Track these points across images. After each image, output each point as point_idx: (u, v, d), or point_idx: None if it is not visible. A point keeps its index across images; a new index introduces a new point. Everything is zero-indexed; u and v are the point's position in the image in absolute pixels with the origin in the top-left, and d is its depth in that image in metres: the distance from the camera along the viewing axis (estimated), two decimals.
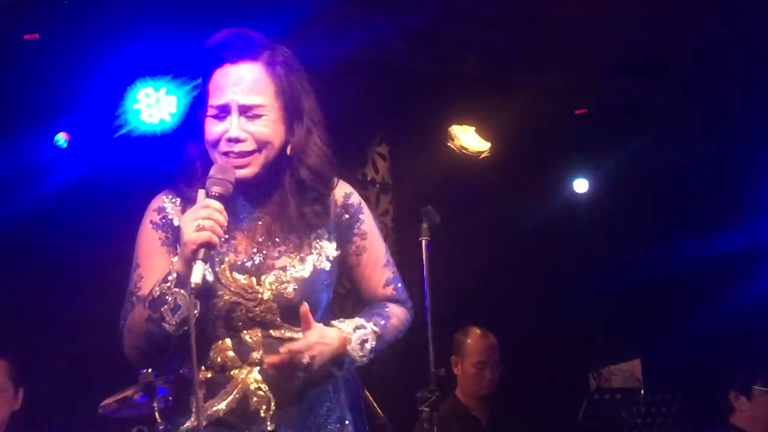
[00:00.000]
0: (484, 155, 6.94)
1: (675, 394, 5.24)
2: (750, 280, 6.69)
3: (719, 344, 6.19)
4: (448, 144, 6.92)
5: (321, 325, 2.63)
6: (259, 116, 2.63)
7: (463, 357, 5.69)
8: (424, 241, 4.12)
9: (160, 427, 4.23)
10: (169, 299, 2.53)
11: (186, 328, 2.51)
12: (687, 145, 6.85)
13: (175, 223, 2.68)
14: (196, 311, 2.52)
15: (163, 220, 2.72)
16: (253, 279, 2.66)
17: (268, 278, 2.66)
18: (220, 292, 2.63)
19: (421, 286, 4.04)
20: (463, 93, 6.76)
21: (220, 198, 2.54)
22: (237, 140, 2.61)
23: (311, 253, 2.71)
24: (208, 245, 2.48)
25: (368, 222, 2.85)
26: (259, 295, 2.65)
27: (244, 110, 2.62)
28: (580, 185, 7.38)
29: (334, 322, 2.68)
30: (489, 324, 5.83)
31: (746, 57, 6.48)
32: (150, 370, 4.31)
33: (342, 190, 2.83)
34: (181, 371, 2.71)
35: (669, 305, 6.96)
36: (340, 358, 2.66)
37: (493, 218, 6.96)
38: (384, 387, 6.25)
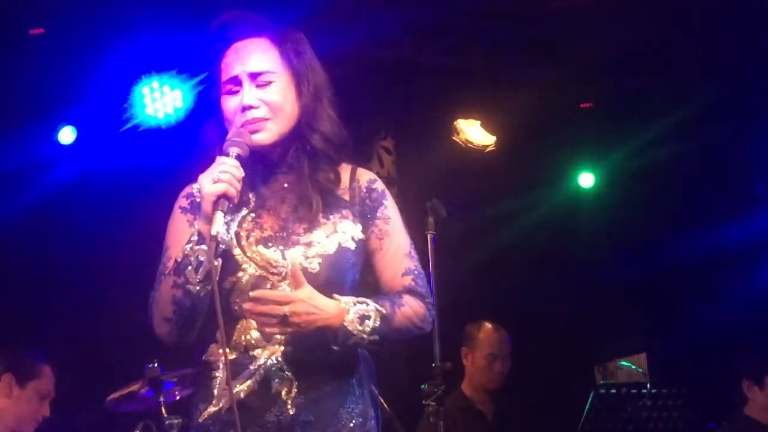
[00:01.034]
0: (489, 149, 6.93)
1: (681, 388, 5.24)
2: (756, 272, 6.69)
3: (725, 337, 6.19)
4: (454, 138, 6.91)
5: (313, 290, 2.59)
6: (269, 83, 2.71)
7: (474, 349, 5.68)
8: (429, 235, 4.13)
9: (167, 422, 4.24)
10: (192, 259, 2.55)
11: (209, 287, 2.53)
12: (693, 138, 6.84)
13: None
14: (218, 262, 2.56)
15: (191, 204, 2.75)
16: (278, 253, 2.66)
17: (294, 253, 2.67)
18: (245, 266, 2.65)
19: (427, 280, 4.04)
20: (469, 87, 6.75)
21: (236, 158, 2.60)
22: (250, 107, 2.68)
23: (336, 232, 2.72)
24: (225, 196, 2.54)
25: (391, 209, 2.87)
26: (284, 269, 2.65)
27: (254, 77, 2.70)
28: (586, 179, 7.37)
29: (335, 296, 2.64)
30: (494, 318, 5.84)
31: (752, 49, 6.47)
32: (156, 364, 4.33)
33: (366, 176, 2.87)
34: (203, 358, 2.69)
35: (675, 298, 6.95)
36: (334, 331, 2.59)
37: (499, 212, 6.95)
38: (389, 381, 6.26)
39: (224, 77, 2.72)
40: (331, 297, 2.62)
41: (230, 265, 2.63)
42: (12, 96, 5.45)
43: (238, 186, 2.57)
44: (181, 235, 2.67)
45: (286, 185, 2.75)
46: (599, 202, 7.37)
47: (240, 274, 2.64)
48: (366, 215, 2.80)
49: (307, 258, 2.66)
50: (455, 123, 6.93)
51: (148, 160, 5.60)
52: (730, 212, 6.84)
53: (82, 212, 5.59)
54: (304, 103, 2.75)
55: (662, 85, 6.98)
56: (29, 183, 5.49)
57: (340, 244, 2.70)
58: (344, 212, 2.76)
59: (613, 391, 5.15)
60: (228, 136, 2.65)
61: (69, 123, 5.74)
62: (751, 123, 6.95)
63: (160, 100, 5.67)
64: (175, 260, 2.59)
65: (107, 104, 5.66)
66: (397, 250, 2.81)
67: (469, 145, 6.90)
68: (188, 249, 2.56)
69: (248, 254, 2.66)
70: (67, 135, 5.77)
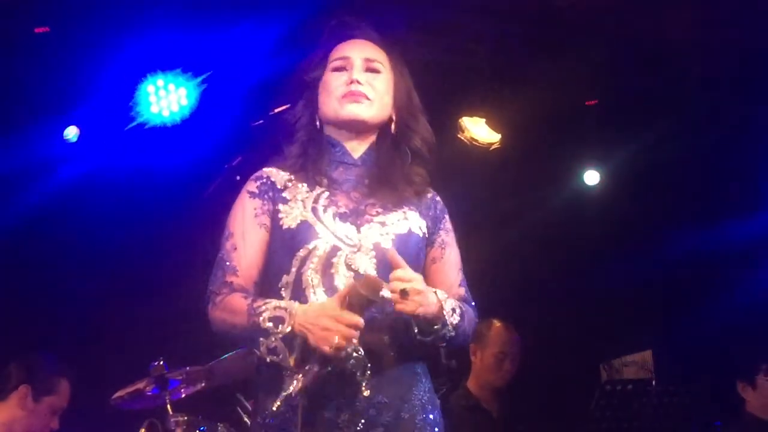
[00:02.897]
0: (494, 147, 6.92)
1: (686, 386, 5.24)
2: (762, 270, 6.67)
3: (731, 335, 6.18)
4: (459, 135, 6.90)
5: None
6: (378, 72, 2.88)
7: (483, 346, 5.68)
8: None
9: (172, 420, 4.24)
10: (268, 342, 2.61)
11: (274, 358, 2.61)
12: (699, 136, 6.82)
13: (278, 185, 2.81)
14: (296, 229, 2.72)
15: (263, 187, 2.83)
16: (353, 228, 2.75)
17: (368, 228, 2.77)
18: (321, 235, 2.72)
19: None
20: (474, 84, 6.74)
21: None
22: (358, 82, 2.82)
23: (407, 219, 2.84)
24: (339, 349, 2.56)
25: (450, 222, 3.00)
26: (359, 242, 2.73)
27: (366, 62, 2.86)
28: (591, 177, 7.36)
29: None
30: (499, 316, 5.83)
31: (759, 49, 6.45)
32: (161, 362, 4.33)
33: (430, 189, 3.02)
34: (269, 359, 2.68)
35: (680, 296, 6.94)
36: (432, 318, 2.68)
37: (504, 210, 6.95)
38: None
39: (335, 56, 2.88)
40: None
41: (307, 234, 2.72)
42: (17, 94, 5.45)
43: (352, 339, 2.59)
44: (246, 226, 2.77)
45: (365, 179, 2.86)
46: (604, 200, 7.35)
47: (317, 242, 2.72)
48: (433, 221, 2.93)
49: (381, 234, 2.77)
50: (460, 120, 6.92)
51: (153, 158, 5.61)
52: (735, 211, 6.82)
53: (87, 211, 5.60)
54: (401, 104, 2.92)
55: (668, 83, 6.97)
56: (34, 182, 5.49)
57: (410, 229, 2.82)
58: (414, 208, 2.89)
59: (619, 388, 5.14)
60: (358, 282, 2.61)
61: (74, 121, 5.74)
62: (756, 123, 6.93)
63: (165, 98, 5.66)
64: (260, 318, 2.61)
65: (112, 102, 5.66)
66: (455, 262, 2.96)
67: (474, 142, 6.89)
68: (272, 337, 2.61)
69: (325, 223, 2.74)
70: (72, 133, 5.77)
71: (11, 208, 5.36)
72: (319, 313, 2.56)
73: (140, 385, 4.40)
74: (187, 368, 4.41)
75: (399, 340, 2.72)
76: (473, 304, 2.97)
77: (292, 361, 2.59)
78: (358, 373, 2.66)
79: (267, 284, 2.79)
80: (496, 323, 5.76)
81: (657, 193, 7.16)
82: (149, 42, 5.50)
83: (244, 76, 5.54)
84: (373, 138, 2.93)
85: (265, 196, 2.80)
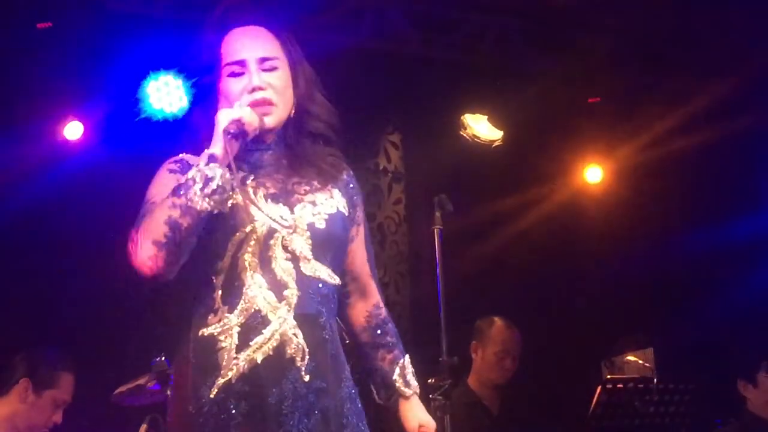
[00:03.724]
0: (496, 144, 6.91)
1: (688, 383, 5.23)
2: (765, 268, 6.67)
3: (733, 333, 6.18)
4: (461, 133, 6.90)
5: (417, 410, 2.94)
6: (275, 68, 2.77)
7: (485, 344, 5.67)
8: (436, 230, 4.11)
9: (167, 417, 4.24)
10: (198, 177, 2.55)
11: (216, 201, 2.55)
12: (701, 133, 6.82)
13: (192, 163, 2.69)
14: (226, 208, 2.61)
15: (182, 166, 2.75)
16: (286, 209, 2.72)
17: (301, 208, 2.73)
18: (257, 217, 2.67)
19: (434, 274, 4.04)
20: (476, 81, 6.74)
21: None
22: (260, 88, 2.73)
23: (332, 198, 2.80)
24: (241, 123, 2.60)
25: (361, 198, 2.97)
26: (294, 223, 2.70)
27: (261, 62, 2.75)
28: (593, 174, 7.36)
29: (402, 389, 2.94)
30: (501, 313, 5.83)
31: (763, 43, 6.45)
32: (163, 358, 4.33)
33: (346, 167, 2.95)
34: (200, 333, 2.66)
35: (682, 294, 6.94)
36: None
37: (506, 207, 6.95)
38: None
39: (228, 59, 2.76)
40: (339, 255, 2.78)
41: (241, 217, 2.64)
42: (18, 90, 5.45)
43: (255, 125, 2.64)
44: (167, 188, 2.64)
45: (283, 160, 2.81)
46: (606, 196, 7.35)
47: (253, 225, 2.66)
48: (351, 199, 2.90)
49: (314, 215, 2.74)
50: (462, 117, 6.91)
51: (155, 156, 5.60)
52: (737, 208, 6.82)
53: (88, 207, 5.60)
54: (300, 92, 2.82)
55: (670, 79, 6.97)
56: (35, 178, 5.49)
57: (338, 209, 2.80)
58: (336, 187, 2.85)
59: (620, 386, 5.14)
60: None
61: (76, 118, 5.74)
62: (760, 118, 6.92)
63: (167, 96, 5.66)
64: (176, 185, 2.58)
65: (114, 99, 5.66)
66: (366, 238, 2.95)
67: (476, 139, 6.89)
68: (193, 171, 2.56)
69: (260, 205, 2.69)
70: (73, 130, 5.77)
71: (14, 203, 5.36)
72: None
73: (142, 381, 4.39)
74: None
75: (331, 329, 2.73)
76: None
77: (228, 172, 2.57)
78: (298, 359, 2.63)
79: (195, 272, 2.69)
80: (498, 321, 5.74)
81: (659, 190, 7.15)
82: (152, 38, 5.50)
83: None
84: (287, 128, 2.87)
85: (187, 172, 2.65)
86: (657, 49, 6.85)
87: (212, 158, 2.57)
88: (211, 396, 2.61)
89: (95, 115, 5.73)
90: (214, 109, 2.74)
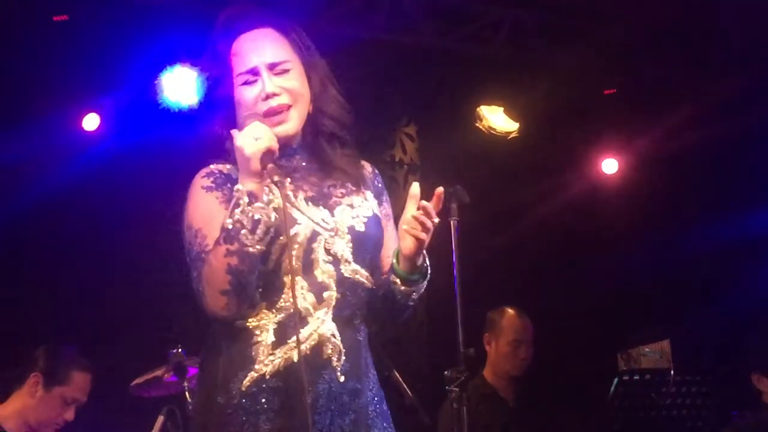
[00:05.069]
0: (512, 135, 6.91)
1: (705, 375, 5.22)
2: None
3: (749, 325, 6.16)
4: (477, 124, 6.90)
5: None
6: (286, 71, 2.74)
7: (497, 335, 5.67)
8: (453, 222, 4.11)
9: (191, 407, 4.25)
10: (245, 221, 2.53)
11: (268, 240, 2.55)
12: (717, 123, 6.79)
13: (234, 177, 2.67)
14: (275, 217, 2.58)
15: (217, 180, 2.72)
16: (326, 212, 2.72)
17: (340, 211, 2.74)
18: (300, 222, 2.67)
19: (450, 266, 4.03)
20: (491, 73, 6.73)
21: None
22: (274, 95, 2.71)
23: (366, 200, 2.82)
24: (270, 151, 2.55)
25: (386, 193, 2.99)
26: (336, 225, 2.71)
27: (272, 67, 2.73)
28: (609, 165, 7.34)
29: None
30: (517, 304, 5.83)
31: None
32: (180, 349, 4.35)
33: (368, 164, 2.95)
34: (235, 325, 2.65)
35: (698, 286, 6.92)
36: (423, 260, 2.77)
37: (522, 198, 6.94)
38: (413, 368, 6.27)
39: (240, 69, 2.74)
40: (376, 256, 2.79)
41: (284, 221, 2.62)
42: (36, 82, 5.47)
43: (276, 142, 2.59)
44: (212, 216, 2.64)
45: (313, 164, 2.80)
46: (622, 188, 7.34)
47: (297, 229, 2.66)
48: (378, 195, 2.91)
49: (353, 217, 2.75)
50: (478, 109, 6.91)
51: (171, 147, 5.62)
52: (755, 199, 6.80)
53: (106, 199, 5.62)
54: (314, 90, 2.80)
55: (686, 71, 6.94)
56: (53, 170, 5.51)
57: (373, 211, 2.81)
58: (367, 188, 2.87)
59: (637, 377, 5.13)
60: (245, 117, 2.66)
61: (93, 110, 5.76)
62: None
63: (183, 87, 5.66)
64: (224, 230, 2.54)
65: (131, 91, 5.67)
66: (394, 232, 2.89)
67: (492, 131, 6.89)
68: (238, 213, 2.53)
69: (302, 209, 2.69)
70: (91, 122, 5.79)
71: (30, 195, 5.38)
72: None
73: (159, 373, 4.41)
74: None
75: (365, 331, 2.75)
76: None
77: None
78: (335, 359, 2.65)
79: None
80: (509, 311, 5.74)
81: (675, 182, 7.13)
82: (168, 31, 5.51)
83: None
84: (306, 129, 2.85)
85: (224, 188, 2.68)
86: (672, 41, 6.83)
87: (252, 196, 2.54)
88: (242, 389, 2.62)
89: (112, 106, 5.74)
90: (223, 112, 2.75)
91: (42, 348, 4.49)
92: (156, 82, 5.61)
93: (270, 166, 2.58)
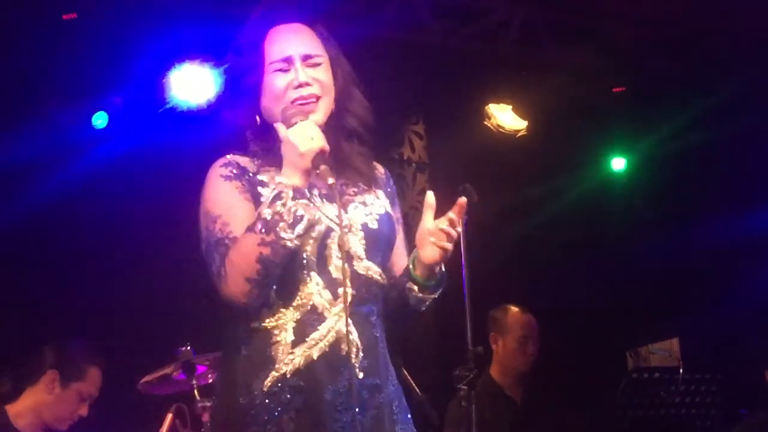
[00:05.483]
0: (521, 134, 6.91)
1: (714, 374, 5.22)
2: None
3: (758, 323, 6.15)
4: (485, 123, 6.90)
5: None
6: (318, 64, 2.80)
7: (504, 333, 5.67)
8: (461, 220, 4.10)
9: (199, 405, 4.26)
10: (286, 215, 2.57)
11: (308, 235, 2.61)
12: (725, 123, 6.78)
13: (250, 170, 2.74)
14: (316, 215, 2.65)
15: (236, 171, 2.75)
16: (341, 208, 2.72)
17: (354, 208, 2.78)
18: (317, 217, 2.69)
19: (459, 264, 4.03)
20: (500, 71, 6.73)
21: None
22: (306, 84, 2.76)
23: (379, 198, 2.85)
24: (322, 152, 2.61)
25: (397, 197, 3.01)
26: (349, 222, 2.74)
27: (306, 58, 2.78)
28: (618, 163, 7.34)
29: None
30: (526, 303, 5.83)
31: None
32: (189, 347, 4.35)
33: (381, 166, 2.98)
34: (253, 326, 2.67)
35: (707, 284, 6.91)
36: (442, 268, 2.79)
37: (530, 196, 6.94)
38: (422, 365, 6.27)
39: (274, 57, 2.79)
40: (388, 254, 2.81)
41: (300, 216, 2.64)
42: (45, 80, 5.48)
43: (327, 145, 2.64)
44: (233, 204, 2.68)
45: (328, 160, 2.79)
46: (631, 186, 7.34)
47: (314, 225, 2.67)
48: (391, 198, 2.93)
49: (366, 214, 2.78)
50: (487, 108, 6.91)
51: (180, 145, 5.63)
52: (763, 198, 6.79)
53: (115, 197, 5.62)
54: (339, 87, 2.84)
55: (695, 69, 6.93)
56: (63, 168, 5.52)
57: (385, 209, 2.84)
58: (379, 188, 2.90)
59: (646, 376, 5.13)
60: (284, 109, 2.71)
61: (102, 108, 5.77)
62: None
63: (192, 86, 5.68)
64: (261, 219, 2.57)
65: (140, 89, 5.68)
66: (406, 236, 2.94)
67: (500, 129, 6.89)
68: (279, 206, 2.57)
69: (317, 204, 2.71)
70: (100, 120, 5.80)
71: (40, 193, 5.39)
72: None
73: (167, 370, 4.41)
74: (214, 354, 4.42)
75: (381, 327, 2.77)
76: None
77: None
78: (353, 356, 2.65)
79: None
80: (512, 308, 5.75)
81: (684, 180, 7.13)
82: (176, 29, 5.52)
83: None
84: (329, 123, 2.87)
85: (243, 179, 2.73)
86: (682, 39, 6.82)
87: (297, 191, 2.60)
88: (264, 389, 2.63)
89: (121, 105, 5.75)
90: (249, 100, 2.79)
91: (52, 345, 4.50)
92: (164, 80, 5.62)
93: (323, 167, 2.61)
